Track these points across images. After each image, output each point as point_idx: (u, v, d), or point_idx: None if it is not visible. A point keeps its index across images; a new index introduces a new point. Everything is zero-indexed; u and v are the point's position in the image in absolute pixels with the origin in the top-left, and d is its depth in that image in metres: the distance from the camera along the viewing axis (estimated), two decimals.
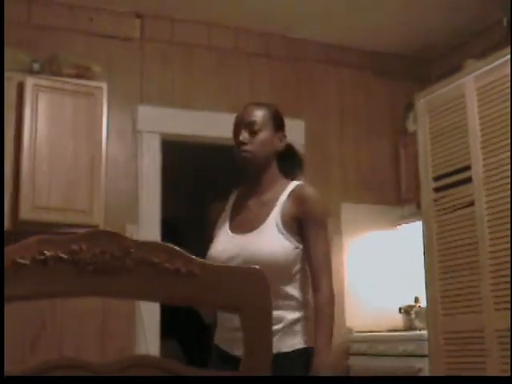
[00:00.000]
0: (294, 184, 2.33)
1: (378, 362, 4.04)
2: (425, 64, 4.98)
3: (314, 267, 2.22)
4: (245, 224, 2.29)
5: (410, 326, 4.45)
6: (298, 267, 2.23)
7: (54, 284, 1.04)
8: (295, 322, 2.19)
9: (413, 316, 4.46)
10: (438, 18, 4.40)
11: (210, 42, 4.46)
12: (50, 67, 3.72)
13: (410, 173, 4.44)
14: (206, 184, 5.84)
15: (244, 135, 2.32)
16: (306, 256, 2.24)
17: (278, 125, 2.41)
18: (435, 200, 3.78)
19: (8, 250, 1.01)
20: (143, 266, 1.08)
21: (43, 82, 3.64)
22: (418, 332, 4.02)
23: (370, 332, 4.37)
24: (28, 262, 1.01)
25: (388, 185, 4.79)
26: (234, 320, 1.77)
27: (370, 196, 4.73)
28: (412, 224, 4.52)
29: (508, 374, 3.13)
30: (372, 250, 4.67)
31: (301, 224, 2.25)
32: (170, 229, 4.55)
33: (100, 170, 3.69)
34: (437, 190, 3.78)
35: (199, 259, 1.11)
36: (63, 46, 4.01)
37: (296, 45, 4.66)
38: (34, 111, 3.61)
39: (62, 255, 1.04)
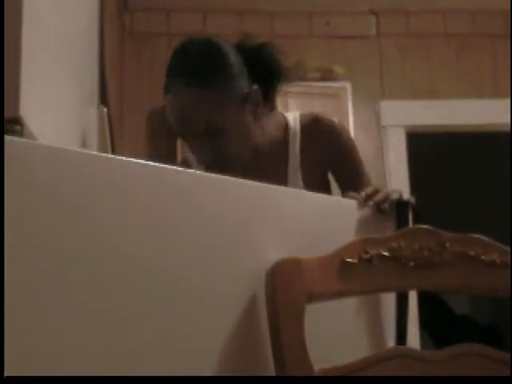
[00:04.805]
0: (295, 120, 1.66)
1: None
2: None
3: None
4: None
5: None
6: None
7: (379, 280, 1.12)
8: None
9: None
10: None
11: (446, 29, 4.39)
12: (296, 73, 3.90)
13: None
14: (457, 174, 5.71)
15: (202, 151, 1.52)
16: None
17: (242, 89, 1.52)
18: None
19: (337, 251, 1.11)
20: (460, 259, 1.13)
21: (291, 88, 3.82)
22: None
23: None
24: (356, 261, 1.11)
25: None
26: None
27: None
28: None
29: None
30: None
31: (325, 168, 1.66)
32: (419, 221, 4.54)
33: None
34: None
35: None
36: (305, 52, 4.18)
37: None
38: None
39: (385, 253, 1.12)
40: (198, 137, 1.50)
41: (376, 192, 1.33)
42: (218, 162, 1.52)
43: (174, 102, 1.49)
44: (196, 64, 1.48)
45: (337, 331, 1.18)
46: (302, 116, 1.69)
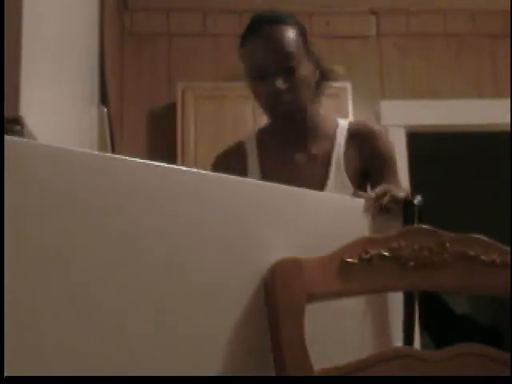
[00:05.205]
0: (344, 123, 1.81)
1: None
2: None
3: None
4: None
5: None
6: None
7: (379, 280, 1.12)
8: None
9: None
10: None
11: (446, 29, 4.40)
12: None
13: None
14: (457, 174, 5.71)
15: (278, 79, 1.65)
16: None
17: (307, 43, 1.77)
18: None
19: (337, 251, 1.11)
20: (460, 259, 1.13)
21: None
22: None
23: None
24: (356, 261, 1.11)
25: None
26: None
27: None
28: None
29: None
30: None
31: (365, 171, 1.77)
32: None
33: None
34: None
35: None
36: None
37: None
38: None
39: (385, 253, 1.12)
40: (272, 74, 1.65)
41: (385, 193, 1.34)
42: (285, 104, 1.67)
43: (257, 40, 1.67)
44: (276, 13, 1.74)
45: (342, 331, 1.18)
46: (351, 121, 1.87)
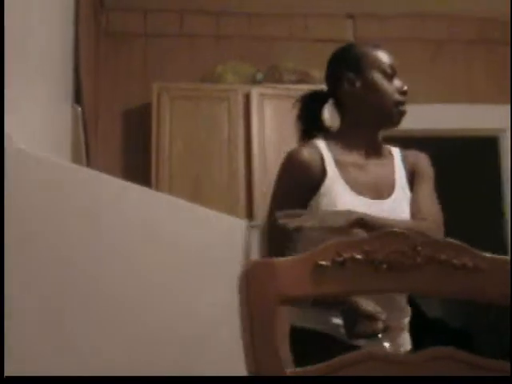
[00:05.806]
0: (396, 149, 2.07)
1: None
2: None
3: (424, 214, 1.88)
4: (371, 188, 1.91)
5: None
6: None
7: (352, 283, 1.12)
8: None
9: None
10: None
11: (423, 34, 4.43)
12: (273, 76, 3.92)
13: None
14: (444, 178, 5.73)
15: (395, 86, 2.03)
16: (412, 210, 1.91)
17: None
18: None
19: (310, 254, 1.11)
20: (432, 262, 1.13)
21: (268, 91, 3.84)
22: None
23: None
24: (329, 264, 1.11)
25: None
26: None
27: None
28: None
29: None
30: None
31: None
32: None
33: None
34: None
35: (486, 254, 1.14)
36: (281, 54, 4.19)
37: None
38: (261, 118, 3.82)
39: (358, 256, 1.12)
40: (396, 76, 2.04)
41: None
42: (403, 105, 2.04)
43: (380, 53, 2.13)
44: None
45: None
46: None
